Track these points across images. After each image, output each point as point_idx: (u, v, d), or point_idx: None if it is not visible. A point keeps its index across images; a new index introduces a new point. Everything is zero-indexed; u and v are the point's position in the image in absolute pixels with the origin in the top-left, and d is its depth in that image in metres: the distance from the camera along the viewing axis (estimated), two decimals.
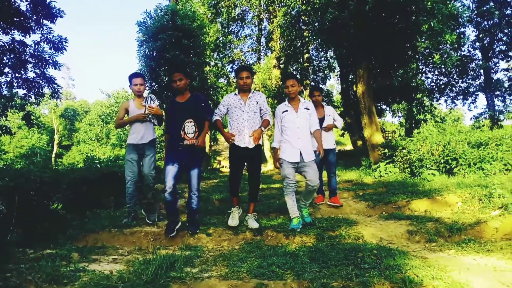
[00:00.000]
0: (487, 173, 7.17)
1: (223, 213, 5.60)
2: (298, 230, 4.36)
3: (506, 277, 2.59)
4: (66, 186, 5.66)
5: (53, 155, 40.06)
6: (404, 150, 9.78)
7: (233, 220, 4.57)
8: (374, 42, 11.10)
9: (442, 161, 8.34)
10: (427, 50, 13.84)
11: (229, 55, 21.73)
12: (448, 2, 10.41)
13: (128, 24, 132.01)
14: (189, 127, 4.43)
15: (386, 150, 11.00)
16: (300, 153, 4.58)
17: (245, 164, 4.80)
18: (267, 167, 20.73)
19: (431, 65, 19.48)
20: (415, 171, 8.90)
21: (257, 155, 4.74)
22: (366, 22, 10.45)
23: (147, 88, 12.89)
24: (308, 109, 4.81)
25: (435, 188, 6.58)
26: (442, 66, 18.88)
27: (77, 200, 5.75)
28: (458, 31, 18.83)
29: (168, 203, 4.29)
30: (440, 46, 13.54)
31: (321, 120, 5.96)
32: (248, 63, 23.23)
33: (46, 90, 11.17)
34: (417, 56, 14.52)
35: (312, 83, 21.43)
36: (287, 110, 4.77)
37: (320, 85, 22.01)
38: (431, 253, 3.38)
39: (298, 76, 16.98)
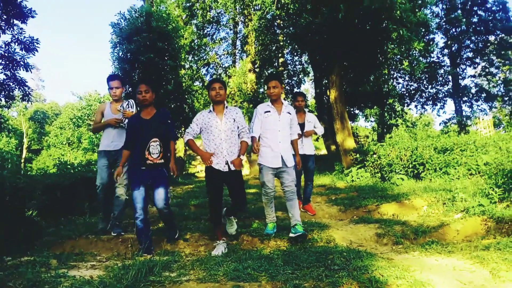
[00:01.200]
0: (452, 177, 7.44)
1: (199, 219, 5.68)
2: (273, 235, 4.47)
3: (464, 276, 2.77)
4: (40, 192, 5.62)
5: (22, 160, 38.73)
6: (374, 155, 10.02)
7: (218, 251, 4.02)
8: (346, 47, 11.36)
9: (410, 166, 8.59)
10: (398, 56, 14.25)
11: (204, 58, 21.51)
12: (417, 10, 10.77)
13: (102, 25, 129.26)
14: (154, 147, 4.10)
15: (358, 155, 11.24)
16: (282, 158, 4.43)
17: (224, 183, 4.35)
18: (243, 172, 20.75)
19: (401, 71, 20.01)
20: (385, 175, 9.14)
21: (238, 176, 4.38)
22: (338, 28, 10.69)
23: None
24: (290, 113, 4.65)
25: (403, 192, 6.83)
26: (412, 72, 19.48)
27: (52, 206, 5.72)
28: (427, 37, 19.49)
29: (139, 231, 3.98)
30: (410, 53, 13.97)
31: (301, 126, 6.00)
32: (223, 66, 23.22)
33: (17, 93, 10.91)
34: (388, 62, 14.90)
35: (287, 87, 21.62)
36: (269, 111, 4.53)
37: (295, 90, 22.18)
38: (397, 255, 3.54)
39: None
